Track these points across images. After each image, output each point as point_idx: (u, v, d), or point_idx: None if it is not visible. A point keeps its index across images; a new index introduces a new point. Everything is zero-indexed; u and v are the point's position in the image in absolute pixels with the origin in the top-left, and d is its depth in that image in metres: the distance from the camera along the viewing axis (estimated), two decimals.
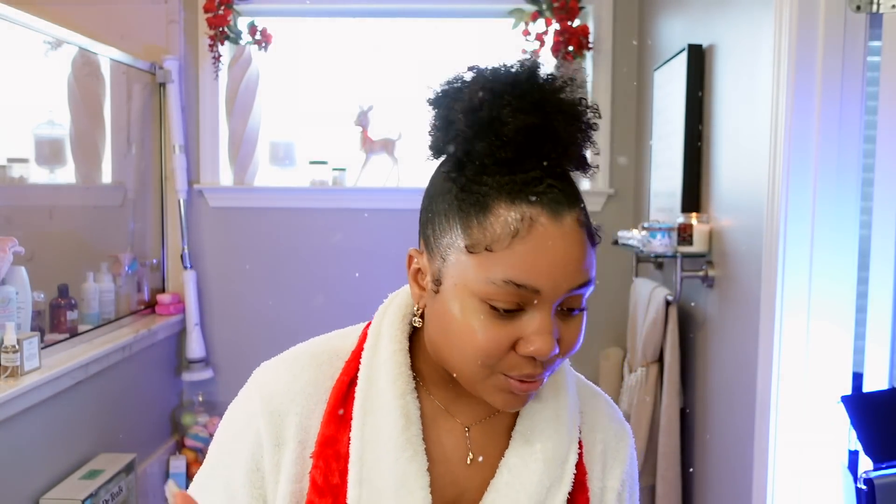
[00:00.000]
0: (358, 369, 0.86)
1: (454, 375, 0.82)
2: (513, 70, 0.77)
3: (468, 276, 0.76)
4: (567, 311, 0.78)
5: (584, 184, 3.33)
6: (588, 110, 0.78)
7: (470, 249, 0.76)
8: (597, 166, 0.82)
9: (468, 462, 0.88)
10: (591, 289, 0.78)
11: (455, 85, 0.78)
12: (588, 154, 0.80)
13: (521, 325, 0.76)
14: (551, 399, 0.89)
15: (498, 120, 0.74)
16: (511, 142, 0.74)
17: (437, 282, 0.80)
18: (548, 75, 0.77)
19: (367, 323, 0.92)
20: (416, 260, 0.84)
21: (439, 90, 0.79)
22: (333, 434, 0.84)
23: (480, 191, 0.76)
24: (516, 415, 0.89)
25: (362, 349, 0.88)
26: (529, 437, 0.87)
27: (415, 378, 0.87)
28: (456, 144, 0.78)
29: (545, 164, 0.76)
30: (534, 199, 0.75)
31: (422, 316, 0.85)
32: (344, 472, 0.83)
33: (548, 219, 0.74)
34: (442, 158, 0.83)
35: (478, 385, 0.80)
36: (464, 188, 0.77)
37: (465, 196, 0.77)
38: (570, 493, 0.87)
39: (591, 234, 0.79)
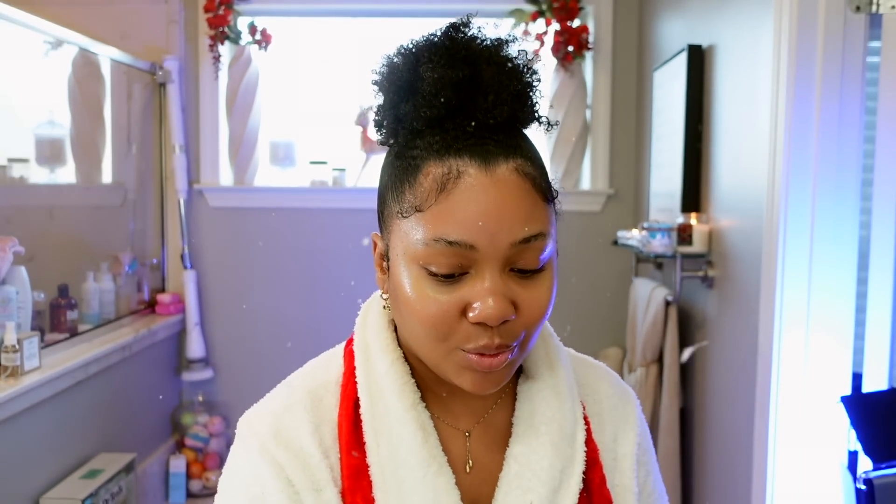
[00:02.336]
0: (356, 391, 0.80)
1: (426, 364, 0.78)
2: (436, 32, 0.74)
3: (406, 242, 0.72)
4: (522, 272, 0.72)
5: (585, 184, 3.34)
6: (526, 61, 0.74)
7: (403, 214, 0.72)
8: (553, 121, 0.78)
9: (467, 471, 0.82)
10: (546, 244, 0.72)
11: (390, 60, 0.76)
12: (539, 106, 0.76)
13: (466, 289, 0.71)
14: (547, 376, 0.84)
15: (419, 78, 0.71)
16: (434, 98, 0.71)
17: (387, 258, 0.77)
18: (478, 33, 0.73)
19: (345, 342, 0.87)
20: (378, 244, 0.80)
21: (378, 68, 0.76)
22: (356, 464, 0.78)
23: (412, 154, 0.73)
24: (514, 402, 0.84)
25: (353, 369, 0.82)
26: (531, 421, 0.82)
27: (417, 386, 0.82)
28: (385, 113, 0.75)
29: (478, 117, 0.71)
30: (462, 151, 0.70)
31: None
32: (371, 501, 0.77)
33: (477, 169, 0.70)
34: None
35: (441, 366, 0.75)
36: (398, 155, 0.75)
37: (399, 163, 0.74)
38: (584, 472, 0.82)
39: (541, 188, 0.73)
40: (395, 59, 0.74)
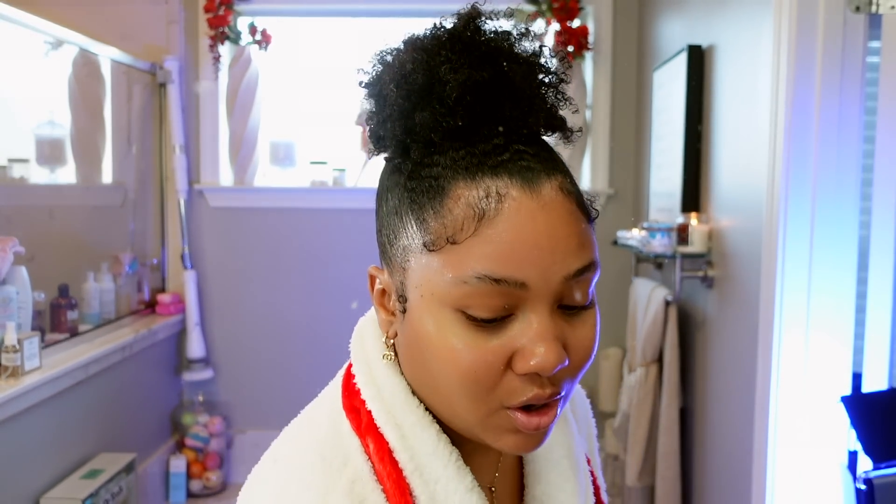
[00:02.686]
0: (389, 452, 0.64)
1: (452, 426, 0.65)
2: (450, 25, 0.62)
3: (434, 281, 0.60)
4: (570, 308, 0.61)
5: (585, 184, 3.34)
6: (554, 59, 0.63)
7: (429, 247, 0.60)
8: (579, 129, 0.66)
9: None
10: (596, 275, 0.61)
11: (386, 57, 0.64)
12: (566, 114, 0.65)
13: (513, 334, 0.59)
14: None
15: (437, 81, 0.59)
16: (457, 105, 0.59)
17: (402, 298, 0.63)
18: (495, 26, 0.62)
19: (340, 380, 0.72)
20: (377, 279, 0.67)
21: (370, 69, 0.64)
22: None
23: (432, 173, 0.60)
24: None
25: (372, 421, 0.66)
26: (548, 456, 0.73)
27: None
28: (393, 123, 0.61)
29: (507, 126, 0.60)
30: (499, 169, 0.58)
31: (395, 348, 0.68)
32: None
33: (520, 191, 0.58)
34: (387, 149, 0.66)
35: (477, 429, 0.62)
36: (412, 175, 0.62)
37: (415, 184, 0.61)
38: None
39: (583, 206, 0.62)
40: (401, 59, 0.62)
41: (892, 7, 1.67)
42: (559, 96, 0.63)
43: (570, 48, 3.19)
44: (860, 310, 1.77)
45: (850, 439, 1.76)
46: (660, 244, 2.36)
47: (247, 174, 3.34)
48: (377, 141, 0.65)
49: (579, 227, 0.60)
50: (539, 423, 0.61)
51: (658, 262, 2.76)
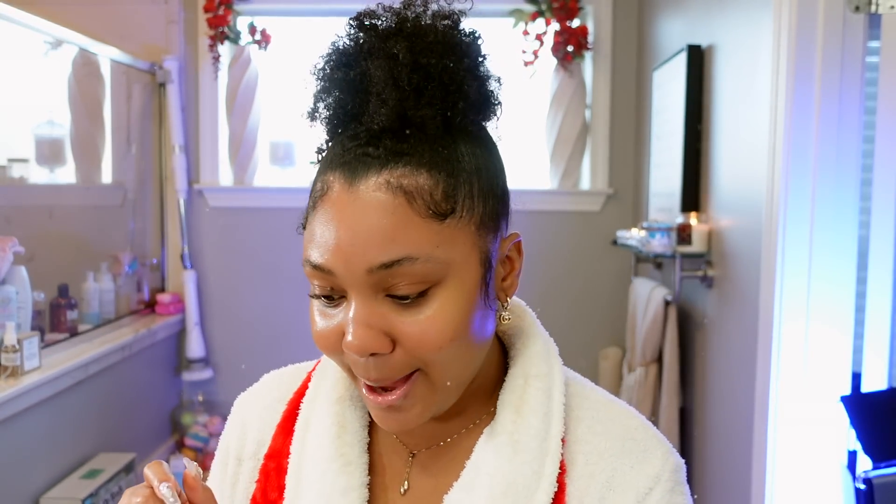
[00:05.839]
0: (308, 379, 0.80)
1: None
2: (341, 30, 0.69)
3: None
4: (400, 298, 0.63)
5: (584, 184, 3.34)
6: (446, 45, 0.64)
7: (299, 230, 0.69)
8: (497, 103, 0.68)
9: (402, 492, 0.75)
10: (419, 269, 0.62)
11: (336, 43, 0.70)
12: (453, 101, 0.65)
13: (343, 316, 0.65)
14: (509, 422, 0.71)
15: (326, 78, 0.67)
16: (334, 98, 0.66)
17: None
18: (372, 23, 0.66)
19: None
20: None
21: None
22: (279, 447, 0.77)
23: (319, 160, 0.68)
24: (473, 441, 0.74)
25: (321, 361, 0.82)
26: (478, 469, 0.71)
27: None
28: (314, 107, 0.68)
29: (365, 122, 0.64)
30: (339, 162, 0.64)
31: None
32: (282, 487, 0.75)
33: (341, 185, 0.63)
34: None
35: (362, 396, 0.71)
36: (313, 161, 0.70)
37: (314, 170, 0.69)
38: None
39: (424, 203, 0.62)
40: (325, 58, 0.69)
41: (892, 7, 1.67)
42: (425, 84, 0.63)
43: (570, 48, 3.19)
44: (860, 309, 1.77)
45: (850, 439, 1.76)
46: (659, 244, 2.36)
47: (246, 174, 3.34)
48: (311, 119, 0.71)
49: (394, 221, 0.61)
50: (378, 401, 0.66)
51: (658, 262, 2.76)
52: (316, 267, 0.64)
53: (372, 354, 0.64)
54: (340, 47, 0.67)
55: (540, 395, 0.72)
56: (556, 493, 0.69)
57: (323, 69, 0.67)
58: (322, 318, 0.67)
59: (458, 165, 0.65)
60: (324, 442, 0.73)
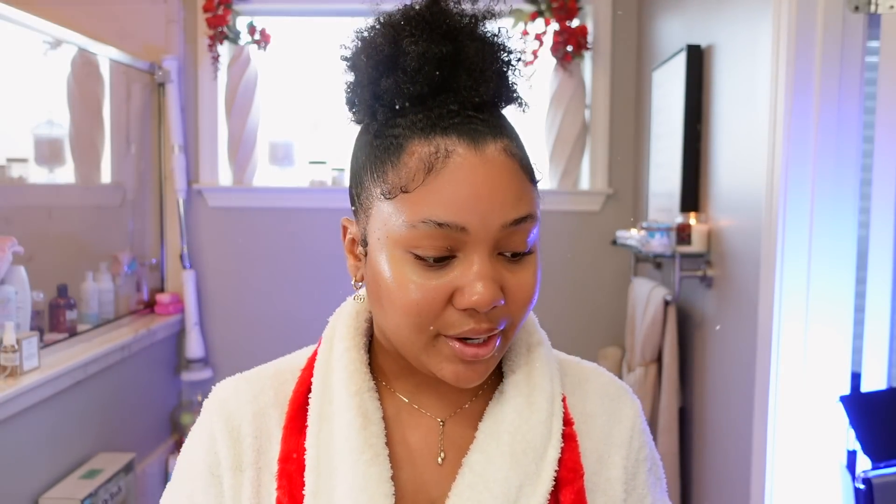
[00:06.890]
0: (312, 376, 0.80)
1: (403, 355, 0.75)
2: (417, 6, 0.71)
3: (389, 225, 0.69)
4: (510, 255, 0.70)
5: (584, 184, 3.34)
6: (509, 38, 0.72)
7: (386, 195, 0.69)
8: (526, 104, 0.75)
9: (439, 462, 0.78)
10: (534, 227, 0.70)
11: (362, 34, 0.73)
12: (519, 86, 0.74)
13: (456, 274, 0.68)
14: (523, 384, 0.78)
15: (401, 53, 0.68)
16: (417, 74, 0.68)
17: (364, 243, 0.74)
18: (458, 8, 0.71)
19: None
20: (348, 229, 0.78)
21: (350, 45, 0.74)
22: (293, 448, 0.77)
23: (394, 133, 0.70)
24: (487, 404, 0.79)
25: (317, 355, 0.82)
26: (496, 429, 0.76)
27: (375, 378, 0.80)
28: (363, 90, 0.72)
29: (462, 95, 0.69)
30: (449, 130, 0.68)
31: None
32: (304, 485, 0.75)
33: (466, 148, 0.67)
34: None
35: (422, 356, 0.72)
36: (377, 134, 0.71)
37: (379, 142, 0.71)
38: (552, 492, 0.75)
39: (527, 170, 0.71)
40: (373, 34, 0.71)
41: (891, 7, 1.67)
42: (512, 72, 0.73)
43: (569, 48, 3.19)
44: (859, 309, 1.77)
45: (849, 439, 1.76)
46: (659, 244, 2.36)
47: (246, 174, 3.34)
48: (350, 106, 0.75)
49: (519, 183, 0.69)
50: (476, 353, 0.70)
51: (657, 262, 2.76)
52: (443, 225, 0.67)
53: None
54: (421, 20, 0.69)
55: (544, 360, 0.81)
56: (569, 444, 0.78)
57: (395, 39, 0.69)
58: (425, 279, 0.68)
59: (522, 140, 0.74)
60: (350, 433, 0.74)
